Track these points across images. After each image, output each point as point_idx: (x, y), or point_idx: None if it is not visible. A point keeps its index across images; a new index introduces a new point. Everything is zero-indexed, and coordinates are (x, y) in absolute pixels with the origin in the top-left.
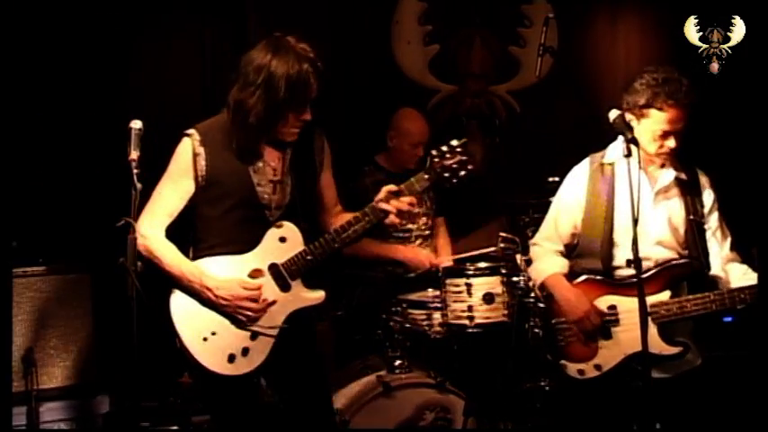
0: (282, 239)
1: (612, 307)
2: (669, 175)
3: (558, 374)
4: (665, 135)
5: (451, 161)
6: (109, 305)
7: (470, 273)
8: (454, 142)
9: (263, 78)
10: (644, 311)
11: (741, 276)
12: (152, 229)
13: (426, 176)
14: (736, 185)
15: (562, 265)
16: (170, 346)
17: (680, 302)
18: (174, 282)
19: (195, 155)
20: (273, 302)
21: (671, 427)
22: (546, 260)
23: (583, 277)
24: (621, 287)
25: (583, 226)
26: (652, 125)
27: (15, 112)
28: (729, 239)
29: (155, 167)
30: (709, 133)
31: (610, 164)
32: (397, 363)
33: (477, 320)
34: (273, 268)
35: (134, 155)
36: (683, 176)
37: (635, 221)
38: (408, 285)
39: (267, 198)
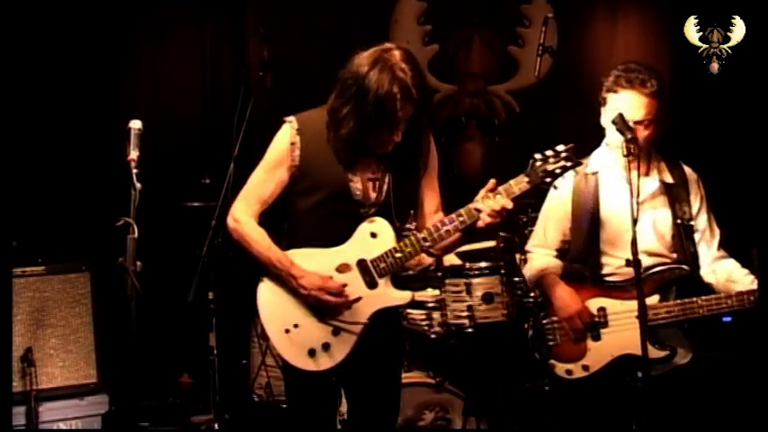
0: (374, 235)
1: (602, 309)
2: (653, 183)
3: (549, 374)
4: None
5: (555, 166)
6: (108, 305)
7: (470, 273)
8: (560, 147)
9: (354, 90)
10: (643, 313)
11: (730, 275)
12: (245, 215)
13: (527, 180)
14: (736, 185)
15: (555, 265)
16: (169, 346)
17: (668, 307)
18: (263, 267)
19: (291, 143)
20: (358, 299)
21: (669, 427)
22: (539, 261)
23: (573, 279)
24: (611, 290)
25: (571, 234)
26: (610, 109)
27: (15, 112)
28: (717, 238)
29: (155, 167)
30: (709, 133)
31: (593, 173)
32: None
33: (477, 320)
34: (362, 264)
35: (133, 155)
36: (669, 179)
37: (634, 221)
38: (408, 285)
39: (360, 194)
